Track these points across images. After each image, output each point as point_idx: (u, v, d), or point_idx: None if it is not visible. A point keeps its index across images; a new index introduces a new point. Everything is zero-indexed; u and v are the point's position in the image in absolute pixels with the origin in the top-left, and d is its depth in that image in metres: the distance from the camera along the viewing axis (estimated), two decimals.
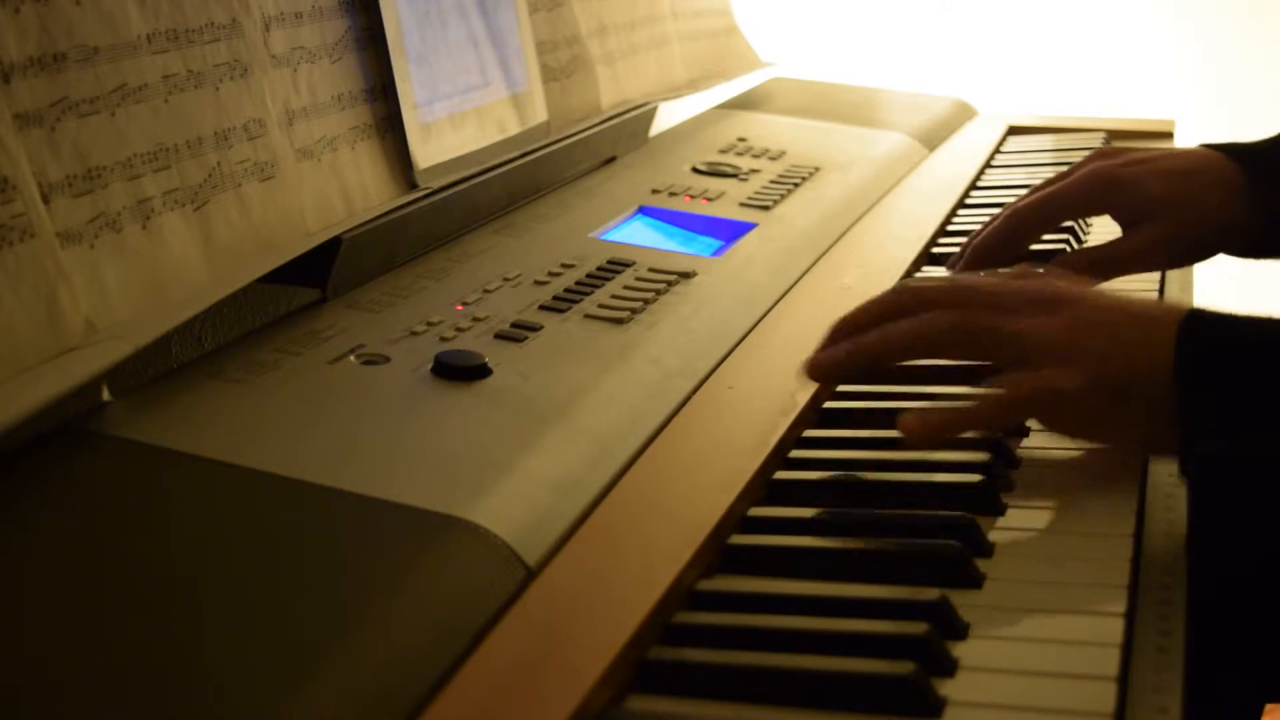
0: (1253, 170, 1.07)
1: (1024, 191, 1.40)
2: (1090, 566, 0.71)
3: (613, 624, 0.62)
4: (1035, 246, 1.13)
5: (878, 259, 1.16)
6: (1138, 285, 1.12)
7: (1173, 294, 1.16)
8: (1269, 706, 1.14)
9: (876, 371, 0.87)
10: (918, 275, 1.16)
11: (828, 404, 0.90)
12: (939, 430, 0.79)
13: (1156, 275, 1.16)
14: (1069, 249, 1.16)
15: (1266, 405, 0.73)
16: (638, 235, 1.14)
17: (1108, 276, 1.07)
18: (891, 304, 0.84)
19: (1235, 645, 0.75)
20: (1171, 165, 1.08)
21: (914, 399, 0.90)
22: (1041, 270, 0.88)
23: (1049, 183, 1.11)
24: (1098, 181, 1.07)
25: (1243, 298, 1.08)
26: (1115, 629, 0.65)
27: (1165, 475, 0.81)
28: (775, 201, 1.25)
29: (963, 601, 0.67)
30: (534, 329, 0.89)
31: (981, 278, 0.87)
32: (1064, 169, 1.14)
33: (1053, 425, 0.82)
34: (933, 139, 1.59)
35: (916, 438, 0.78)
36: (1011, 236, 1.09)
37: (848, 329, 0.84)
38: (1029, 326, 0.79)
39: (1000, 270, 0.90)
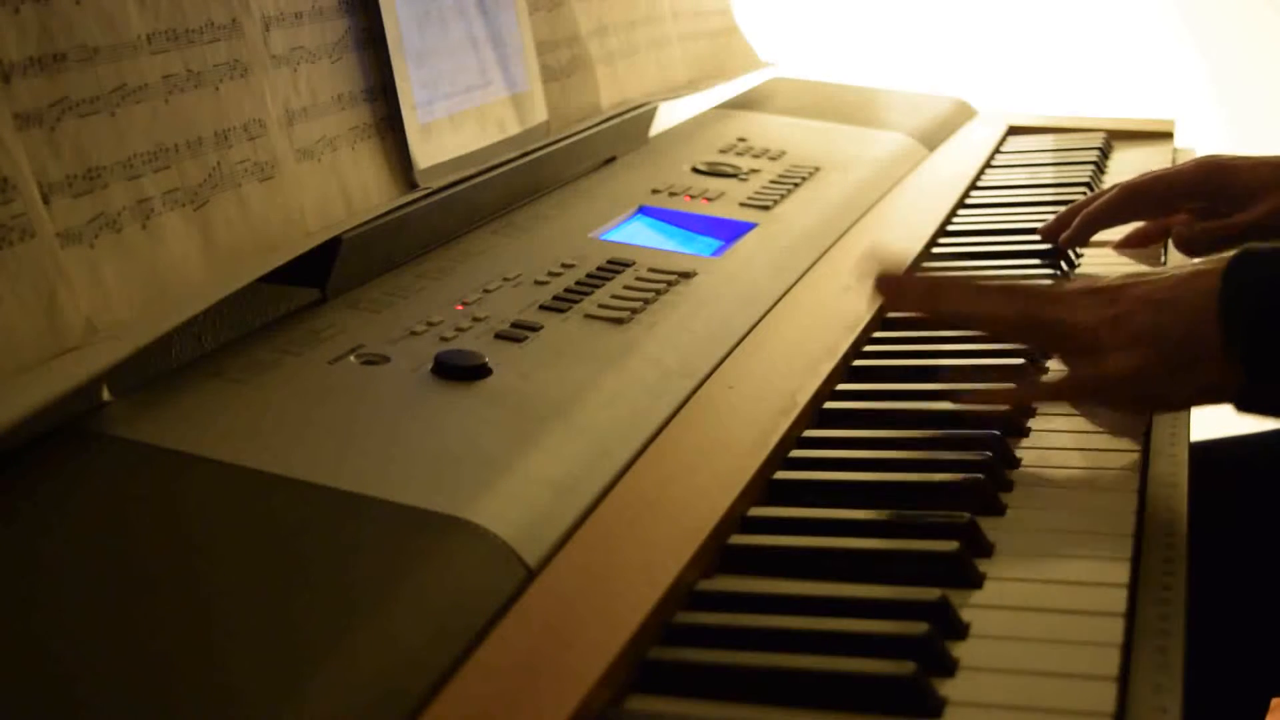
0: None
1: (1024, 191, 1.41)
2: (1090, 566, 0.71)
3: (613, 624, 0.62)
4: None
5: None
6: None
7: None
8: (1274, 702, 1.14)
9: (926, 319, 0.95)
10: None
11: (828, 404, 0.90)
12: (1022, 399, 0.87)
13: None
14: (1062, 265, 1.17)
15: None
16: (638, 235, 1.14)
17: (1224, 249, 1.11)
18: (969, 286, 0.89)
19: (1235, 645, 0.75)
20: (1276, 160, 1.14)
21: (914, 398, 0.90)
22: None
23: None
24: (1211, 165, 1.15)
25: None
26: (1115, 629, 0.65)
27: (1166, 475, 0.81)
28: (775, 201, 1.25)
29: (963, 601, 0.67)
30: (534, 329, 0.89)
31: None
32: (1064, 169, 1.15)
33: (1118, 406, 0.86)
34: (933, 139, 1.59)
35: (978, 408, 0.86)
36: (1121, 210, 1.18)
37: (922, 286, 0.91)
38: (1088, 317, 0.83)
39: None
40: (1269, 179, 1.12)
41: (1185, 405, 0.86)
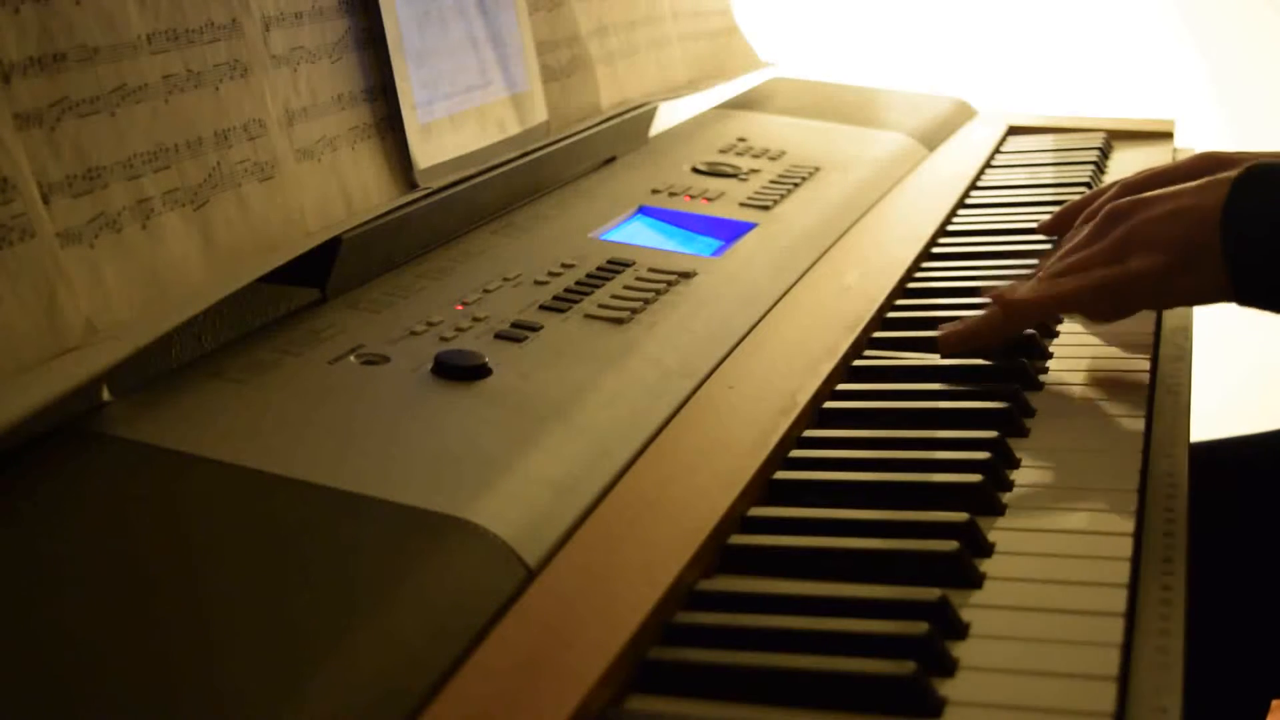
0: None
1: (1024, 191, 1.41)
2: (1090, 566, 0.71)
3: (613, 624, 0.62)
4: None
5: (878, 259, 1.16)
6: None
7: None
8: (1274, 702, 1.14)
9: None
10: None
11: (828, 404, 0.90)
12: (1001, 330, 0.93)
13: None
14: None
15: None
16: (638, 235, 1.14)
17: None
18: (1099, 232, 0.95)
19: (1235, 645, 0.75)
20: (1274, 154, 1.15)
21: (915, 397, 0.90)
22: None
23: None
24: (1210, 160, 1.14)
25: None
26: (1115, 629, 0.65)
27: (1166, 475, 0.81)
28: (775, 201, 1.25)
29: (963, 601, 0.67)
30: (534, 329, 0.89)
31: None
32: (1064, 169, 1.15)
33: (1131, 306, 0.94)
34: (933, 139, 1.59)
35: (969, 340, 0.93)
36: None
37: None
38: (1114, 229, 0.93)
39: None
40: None
41: (1193, 303, 0.96)
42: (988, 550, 0.72)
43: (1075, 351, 1.00)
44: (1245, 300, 0.89)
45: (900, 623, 0.63)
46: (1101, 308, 0.94)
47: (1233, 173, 0.90)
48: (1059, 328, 1.03)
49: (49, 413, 0.67)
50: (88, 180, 0.75)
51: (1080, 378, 0.95)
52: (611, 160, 1.33)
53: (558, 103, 1.25)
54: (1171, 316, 1.05)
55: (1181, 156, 1.50)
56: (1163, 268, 0.90)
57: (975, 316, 0.95)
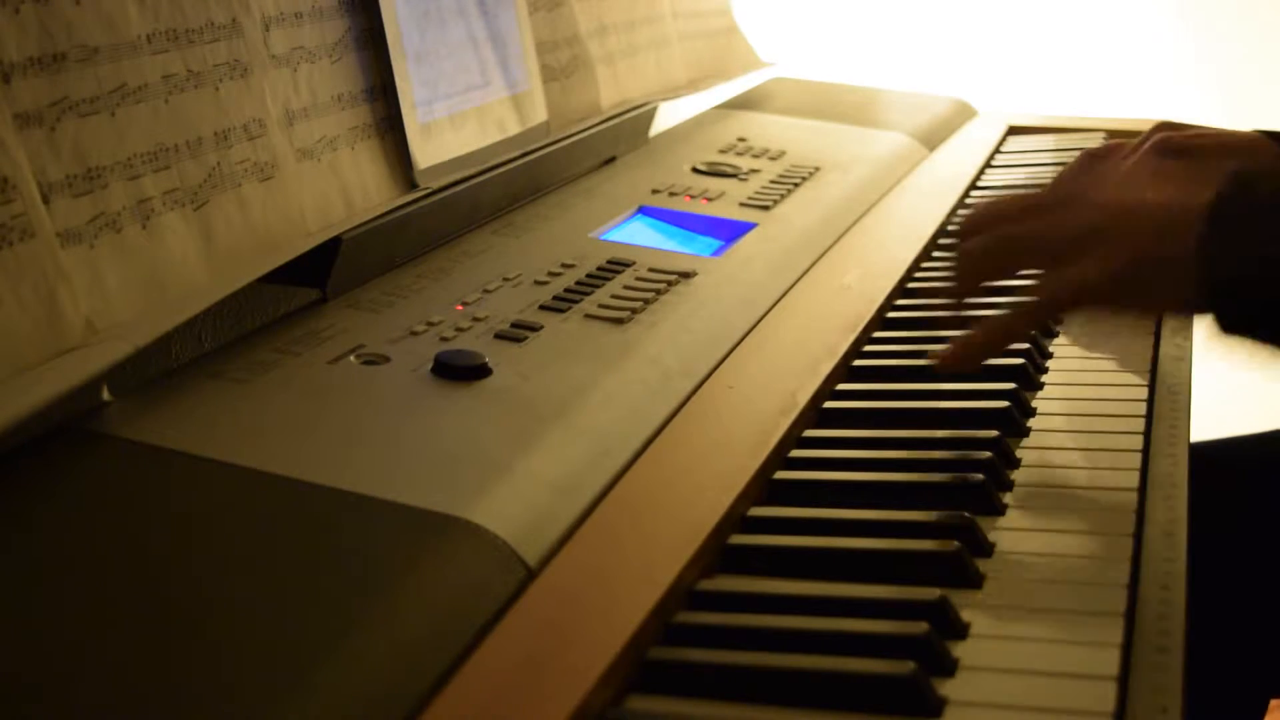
0: None
1: (1024, 192, 1.41)
2: (1090, 566, 0.71)
3: (613, 624, 0.62)
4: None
5: (878, 259, 1.16)
6: None
7: None
8: (1273, 702, 1.14)
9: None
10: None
11: (828, 404, 0.90)
12: (982, 348, 0.83)
13: None
14: None
15: None
16: (638, 235, 1.14)
17: None
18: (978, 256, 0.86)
19: (1235, 645, 0.75)
20: (1235, 142, 1.12)
21: (915, 397, 0.90)
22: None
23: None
24: (1173, 149, 1.12)
25: None
26: (1115, 629, 0.65)
27: (1166, 475, 0.81)
28: (775, 201, 1.25)
29: (963, 601, 0.67)
30: (534, 329, 0.89)
31: (1012, 198, 0.90)
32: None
33: (1095, 309, 0.85)
34: (933, 139, 1.59)
35: (959, 361, 0.81)
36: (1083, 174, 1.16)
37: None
38: (1051, 224, 0.83)
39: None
40: (1224, 167, 1.12)
41: (1155, 310, 0.88)
42: (988, 550, 0.72)
43: (1076, 352, 1.00)
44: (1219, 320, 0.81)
45: (900, 623, 0.63)
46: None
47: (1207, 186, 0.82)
48: (1059, 328, 1.03)
49: (49, 413, 0.67)
50: (88, 180, 0.75)
51: (1080, 378, 0.95)
52: (611, 160, 1.33)
53: (558, 103, 1.25)
54: (1171, 316, 1.05)
55: None
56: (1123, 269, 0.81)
57: (959, 337, 0.89)
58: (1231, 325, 0.79)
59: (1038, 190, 0.89)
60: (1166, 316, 0.87)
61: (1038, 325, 0.85)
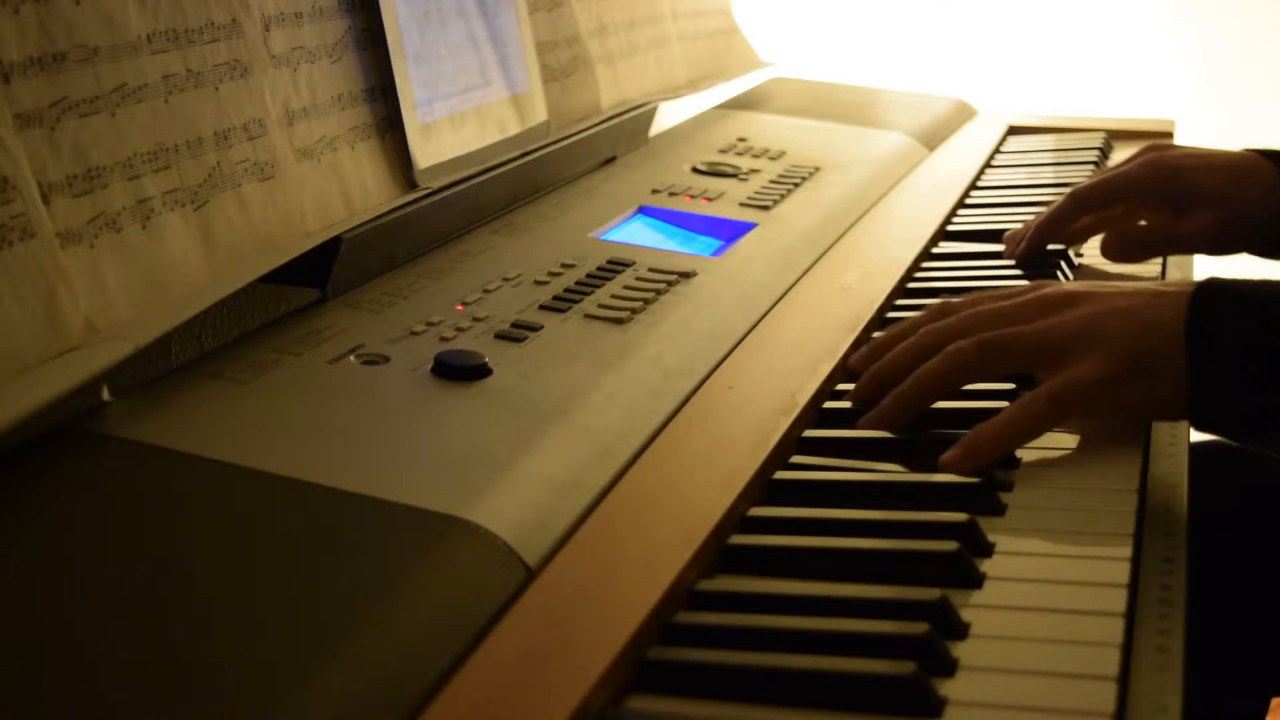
0: None
1: (1024, 192, 1.41)
2: (1090, 566, 0.71)
3: (613, 624, 0.62)
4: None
5: (878, 259, 1.16)
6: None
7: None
8: (1274, 702, 1.14)
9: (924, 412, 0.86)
10: (907, 316, 1.16)
11: (828, 404, 0.90)
12: (987, 455, 0.80)
13: (1157, 267, 1.18)
14: (1062, 265, 1.16)
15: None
16: (638, 235, 1.14)
17: (1160, 254, 1.17)
18: (916, 348, 0.87)
19: (1235, 645, 0.75)
20: (1226, 161, 1.15)
21: None
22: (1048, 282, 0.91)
23: (1108, 170, 1.18)
24: (1162, 168, 1.13)
25: None
26: (1115, 629, 0.65)
27: (1166, 475, 0.81)
28: (775, 201, 1.25)
29: (963, 601, 0.67)
30: (534, 329, 0.89)
31: (991, 296, 0.90)
32: (1065, 169, 1.15)
33: (1087, 414, 0.84)
34: (933, 139, 1.59)
35: (967, 467, 0.79)
36: (1071, 218, 1.16)
37: (882, 380, 0.87)
38: (1046, 326, 0.84)
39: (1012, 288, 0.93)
40: (1213, 185, 1.12)
41: (1141, 414, 0.85)
42: (988, 550, 0.72)
43: None
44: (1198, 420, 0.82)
45: (900, 623, 0.63)
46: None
47: (1180, 290, 0.82)
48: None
49: (49, 413, 0.67)
50: (88, 180, 0.75)
51: None
52: (611, 160, 1.33)
53: (558, 103, 1.25)
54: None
55: None
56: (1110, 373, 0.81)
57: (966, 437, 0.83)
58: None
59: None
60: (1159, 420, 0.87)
61: (1039, 432, 0.82)
